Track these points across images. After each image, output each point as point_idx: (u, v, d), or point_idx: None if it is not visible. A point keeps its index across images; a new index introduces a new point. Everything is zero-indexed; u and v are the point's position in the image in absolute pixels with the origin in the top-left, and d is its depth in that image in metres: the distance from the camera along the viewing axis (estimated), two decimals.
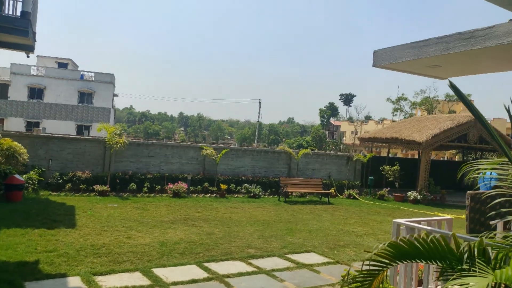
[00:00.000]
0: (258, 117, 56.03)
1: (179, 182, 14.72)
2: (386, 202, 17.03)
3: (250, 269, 6.68)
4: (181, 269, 6.44)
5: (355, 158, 18.95)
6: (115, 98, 47.85)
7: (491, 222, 8.18)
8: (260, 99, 56.39)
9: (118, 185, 14.35)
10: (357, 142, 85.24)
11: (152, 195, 14.26)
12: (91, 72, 43.97)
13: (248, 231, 9.60)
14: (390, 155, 21.75)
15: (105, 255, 6.89)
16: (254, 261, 7.13)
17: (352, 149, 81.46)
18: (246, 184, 15.91)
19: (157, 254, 7.19)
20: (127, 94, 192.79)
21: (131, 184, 14.35)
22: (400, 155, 41.78)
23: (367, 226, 11.34)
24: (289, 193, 15.50)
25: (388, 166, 18.47)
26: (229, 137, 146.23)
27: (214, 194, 15.25)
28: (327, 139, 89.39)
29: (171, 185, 14.42)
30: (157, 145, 15.98)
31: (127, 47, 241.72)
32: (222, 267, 6.65)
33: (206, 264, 6.76)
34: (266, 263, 7.09)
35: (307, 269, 6.89)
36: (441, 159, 40.03)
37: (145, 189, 14.47)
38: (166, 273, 6.18)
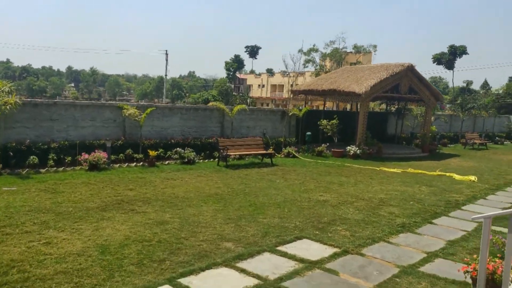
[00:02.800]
0: (166, 70, 51.92)
1: (96, 150, 11.82)
2: (326, 158, 16.07)
3: (249, 281, 4.74)
4: None
5: (291, 113, 17.52)
6: None
7: None
8: (166, 51, 51.69)
9: (12, 159, 10.98)
10: (264, 95, 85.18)
11: (61, 169, 11.21)
12: None
13: (207, 214, 7.56)
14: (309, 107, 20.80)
15: (20, 284, 4.38)
16: (245, 265, 5.21)
17: (260, 103, 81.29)
18: (178, 148, 13.52)
19: (103, 270, 4.85)
20: (2, 44, 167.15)
21: (31, 157, 11.06)
22: (319, 107, 41.93)
23: (332, 192, 10.02)
24: (228, 156, 13.55)
25: (325, 121, 17.41)
26: (127, 93, 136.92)
27: (141, 163, 12.66)
28: (234, 93, 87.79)
29: (86, 155, 11.47)
30: (62, 105, 12.60)
31: None
32: (209, 285, 4.62)
33: (184, 282, 4.65)
34: (262, 265, 5.22)
35: (320, 269, 5.18)
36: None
37: (51, 162, 11.34)
38: None
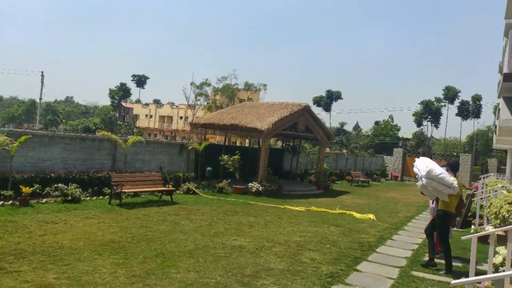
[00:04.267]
0: (41, 93, 45.92)
1: None
2: (228, 195, 15.26)
3: None
4: None
5: (190, 147, 16.46)
6: None
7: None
8: (42, 72, 46.19)
9: None
10: (152, 126, 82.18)
11: None
12: None
13: (105, 270, 6.06)
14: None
15: None
16: None
17: (147, 133, 78.06)
18: (60, 184, 11.39)
19: None
20: None
21: None
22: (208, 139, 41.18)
23: (245, 235, 9.18)
24: (123, 193, 11.87)
25: (226, 156, 16.73)
26: None
27: (11, 202, 10.27)
28: (119, 122, 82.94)
29: None
30: None
31: None
32: None
33: None
34: None
35: None
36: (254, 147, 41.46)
37: None
38: None
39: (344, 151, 30.68)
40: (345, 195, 19.62)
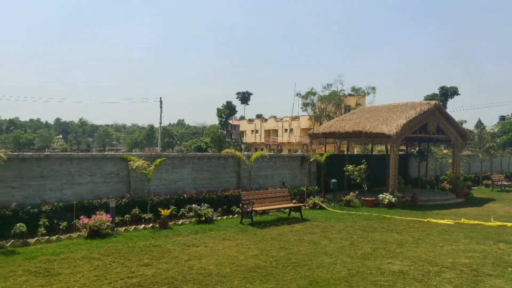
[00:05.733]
0: (160, 118, 49.88)
1: (97, 212, 9.72)
2: (357, 209, 14.07)
3: None
4: None
5: (312, 159, 15.65)
6: None
7: None
8: (161, 98, 50.15)
9: None
10: (258, 140, 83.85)
11: (54, 238, 9.00)
12: None
13: None
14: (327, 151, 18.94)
15: None
16: None
17: (254, 148, 79.89)
18: (193, 205, 11.44)
19: None
20: None
21: (18, 224, 8.85)
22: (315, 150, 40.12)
23: (400, 257, 7.99)
24: (253, 212, 11.49)
25: (351, 166, 15.58)
26: (116, 143, 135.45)
27: (151, 224, 10.51)
28: (227, 139, 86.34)
29: (85, 219, 9.33)
30: (55, 159, 10.54)
31: None
32: None
33: None
34: None
35: None
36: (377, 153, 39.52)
37: (42, 229, 9.17)
38: None
39: (467, 151, 27.09)
40: (491, 203, 16.96)
